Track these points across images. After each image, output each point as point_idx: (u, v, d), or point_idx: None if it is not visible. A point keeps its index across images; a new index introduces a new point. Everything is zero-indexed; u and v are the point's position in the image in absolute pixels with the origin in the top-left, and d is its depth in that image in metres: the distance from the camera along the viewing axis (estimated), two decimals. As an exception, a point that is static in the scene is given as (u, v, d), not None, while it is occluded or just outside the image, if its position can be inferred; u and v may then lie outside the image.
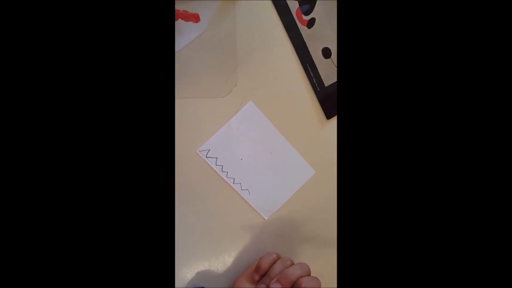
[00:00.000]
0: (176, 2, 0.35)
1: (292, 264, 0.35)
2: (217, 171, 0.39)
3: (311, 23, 0.38)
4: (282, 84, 0.39)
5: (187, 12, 0.36)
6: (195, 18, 0.37)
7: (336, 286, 0.42)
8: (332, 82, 0.40)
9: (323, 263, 0.42)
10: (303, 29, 0.38)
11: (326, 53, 0.39)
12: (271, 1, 0.38)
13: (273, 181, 0.40)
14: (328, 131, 0.41)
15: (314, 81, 0.39)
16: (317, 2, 0.38)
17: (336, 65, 0.39)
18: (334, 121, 0.41)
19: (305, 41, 0.38)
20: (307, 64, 0.39)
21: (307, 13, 0.38)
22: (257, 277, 0.36)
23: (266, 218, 0.40)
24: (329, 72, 0.39)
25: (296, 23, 0.38)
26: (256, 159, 0.40)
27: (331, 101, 0.40)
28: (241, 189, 0.39)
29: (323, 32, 0.38)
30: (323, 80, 0.39)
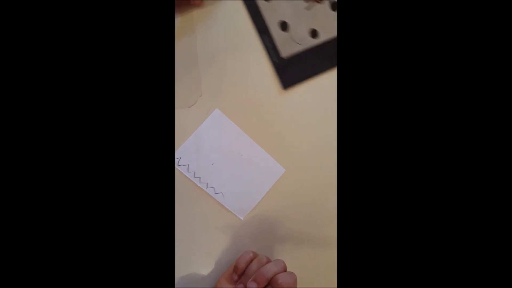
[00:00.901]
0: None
1: (268, 261, 0.37)
2: (190, 178, 0.40)
3: None
4: (245, 86, 0.41)
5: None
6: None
7: (314, 282, 0.43)
8: (289, 54, 0.42)
9: (300, 257, 0.43)
10: (261, 2, 0.41)
11: (284, 26, 0.41)
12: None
13: (246, 182, 0.42)
14: (295, 127, 0.43)
15: (270, 51, 0.41)
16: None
17: (293, 38, 0.42)
18: (300, 113, 0.43)
19: (263, 13, 0.41)
20: (265, 37, 0.41)
21: None
22: (235, 277, 0.37)
23: (242, 219, 0.42)
24: (286, 45, 0.41)
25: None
26: (227, 162, 0.41)
27: (289, 69, 0.42)
28: (215, 193, 0.41)
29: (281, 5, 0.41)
30: (280, 51, 0.41)
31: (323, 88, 0.43)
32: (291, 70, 0.41)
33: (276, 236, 0.43)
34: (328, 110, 0.43)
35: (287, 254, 0.43)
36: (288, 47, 0.41)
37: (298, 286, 0.35)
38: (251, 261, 0.38)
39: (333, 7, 0.41)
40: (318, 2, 0.41)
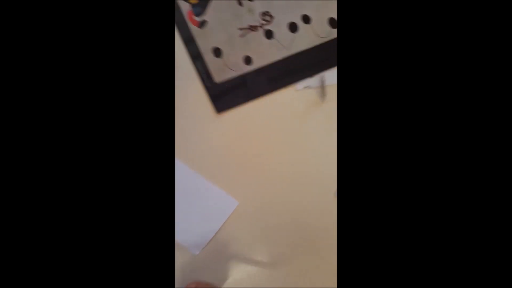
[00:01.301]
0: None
1: None
2: (142, 216, 0.41)
3: (202, 24, 0.40)
4: (190, 124, 0.41)
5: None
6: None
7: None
8: (223, 80, 0.41)
9: (256, 284, 0.43)
10: (194, 29, 0.40)
11: (218, 52, 0.40)
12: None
13: (199, 218, 0.42)
14: (250, 159, 0.42)
15: (203, 76, 0.40)
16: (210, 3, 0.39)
17: (227, 64, 0.40)
18: (254, 150, 0.42)
19: (196, 39, 0.40)
20: (198, 62, 0.40)
21: (198, 14, 0.40)
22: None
23: (197, 253, 0.42)
24: (219, 71, 0.40)
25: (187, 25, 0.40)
26: (179, 201, 0.42)
27: (223, 96, 0.41)
28: (169, 229, 0.42)
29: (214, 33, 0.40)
30: (213, 76, 0.41)
31: (262, 113, 0.41)
32: (225, 96, 0.41)
33: (231, 267, 0.43)
34: (272, 135, 0.42)
35: (244, 283, 0.43)
36: (221, 73, 0.40)
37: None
38: None
39: (267, 35, 0.39)
40: (253, 30, 0.39)
